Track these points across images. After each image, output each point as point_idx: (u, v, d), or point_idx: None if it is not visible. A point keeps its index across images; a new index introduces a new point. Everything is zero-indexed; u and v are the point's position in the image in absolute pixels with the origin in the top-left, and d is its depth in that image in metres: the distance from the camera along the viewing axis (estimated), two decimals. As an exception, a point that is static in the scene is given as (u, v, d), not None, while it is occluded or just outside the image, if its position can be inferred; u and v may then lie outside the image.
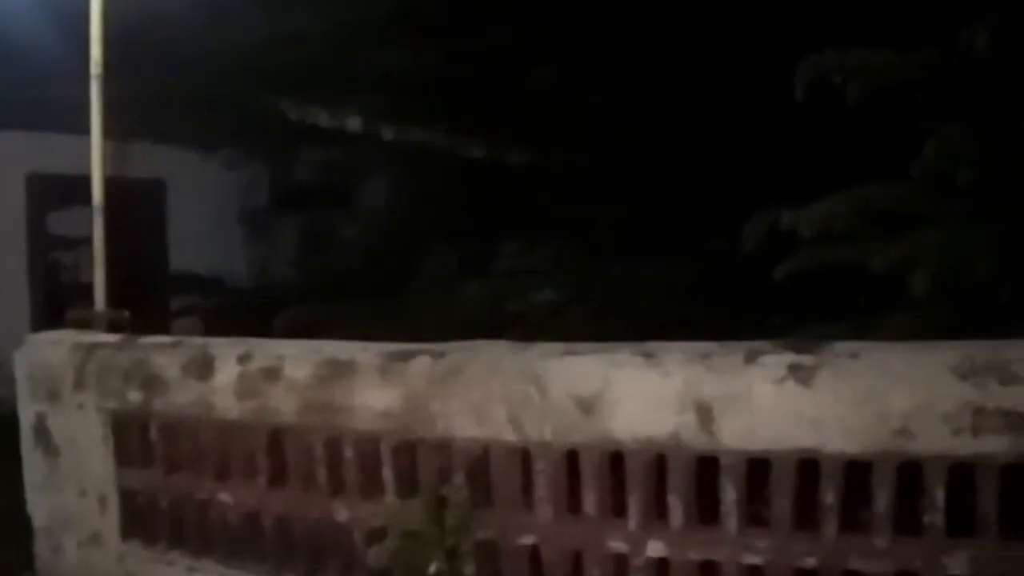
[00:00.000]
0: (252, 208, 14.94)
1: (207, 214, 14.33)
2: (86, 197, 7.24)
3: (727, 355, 3.63)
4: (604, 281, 9.69)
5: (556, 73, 10.97)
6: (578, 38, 10.60)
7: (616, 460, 3.83)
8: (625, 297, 9.08)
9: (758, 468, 3.56)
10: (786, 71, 6.48)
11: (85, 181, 7.18)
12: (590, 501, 3.88)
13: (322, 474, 4.55)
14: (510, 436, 4.01)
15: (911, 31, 6.33)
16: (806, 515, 3.51)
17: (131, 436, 5.26)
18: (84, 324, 6.32)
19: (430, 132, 12.50)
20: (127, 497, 5.32)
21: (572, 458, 3.91)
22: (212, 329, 10.45)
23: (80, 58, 7.18)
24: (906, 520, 3.36)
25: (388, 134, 12.52)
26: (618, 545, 3.83)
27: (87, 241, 9.54)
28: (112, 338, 5.72)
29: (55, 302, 12.74)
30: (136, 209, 11.97)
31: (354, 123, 12.71)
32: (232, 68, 11.49)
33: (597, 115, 10.52)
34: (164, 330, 6.88)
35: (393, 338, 4.69)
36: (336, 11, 11.05)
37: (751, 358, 3.56)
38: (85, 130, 7.08)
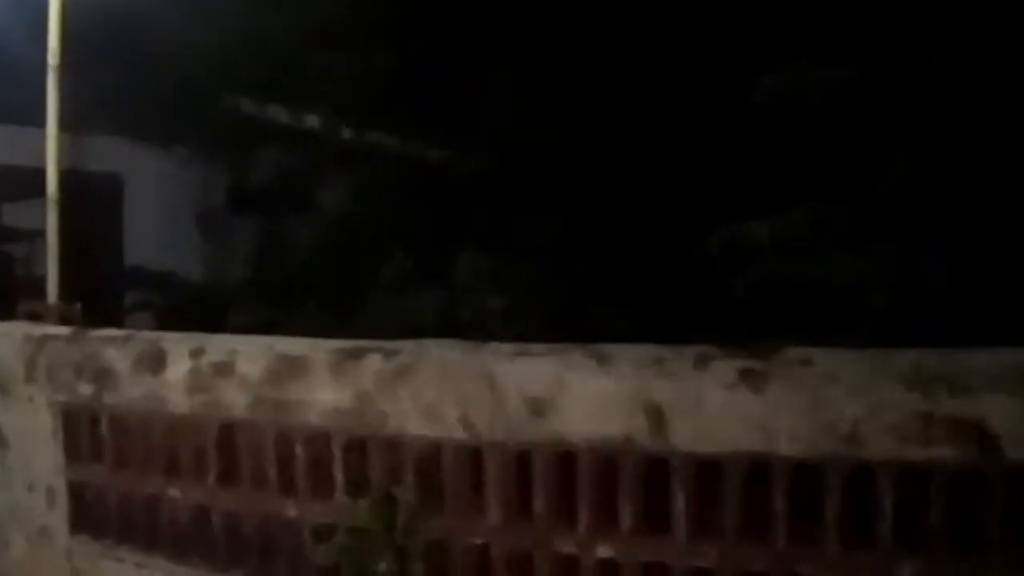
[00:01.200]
0: (208, 206, 14.88)
1: (163, 210, 14.25)
2: (41, 189, 7.21)
3: (679, 359, 3.64)
4: (560, 290, 9.71)
5: (516, 79, 10.99)
6: (538, 45, 10.62)
7: (567, 461, 3.83)
8: (581, 306, 9.10)
9: (709, 474, 3.57)
10: (747, 84, 6.51)
11: (40, 173, 7.15)
12: (540, 502, 3.88)
13: (272, 471, 4.53)
14: (461, 435, 4.00)
15: (867, 49, 6.38)
16: (756, 522, 3.52)
17: (81, 430, 5.22)
18: (36, 316, 6.29)
19: (388, 136, 12.50)
20: (76, 492, 5.27)
21: (523, 459, 3.91)
22: (165, 325, 10.41)
23: (38, 50, 7.14)
24: (857, 529, 3.37)
25: (346, 137, 12.52)
26: (568, 547, 3.83)
27: (41, 234, 9.50)
28: (63, 331, 5.68)
29: (6, 295, 12.65)
30: (91, 203, 11.88)
31: (312, 124, 12.71)
32: (192, 66, 11.46)
33: (556, 122, 10.53)
34: (117, 325, 6.83)
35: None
36: (296, 13, 11.04)
37: (702, 362, 3.57)
38: (41, 122, 7.05)
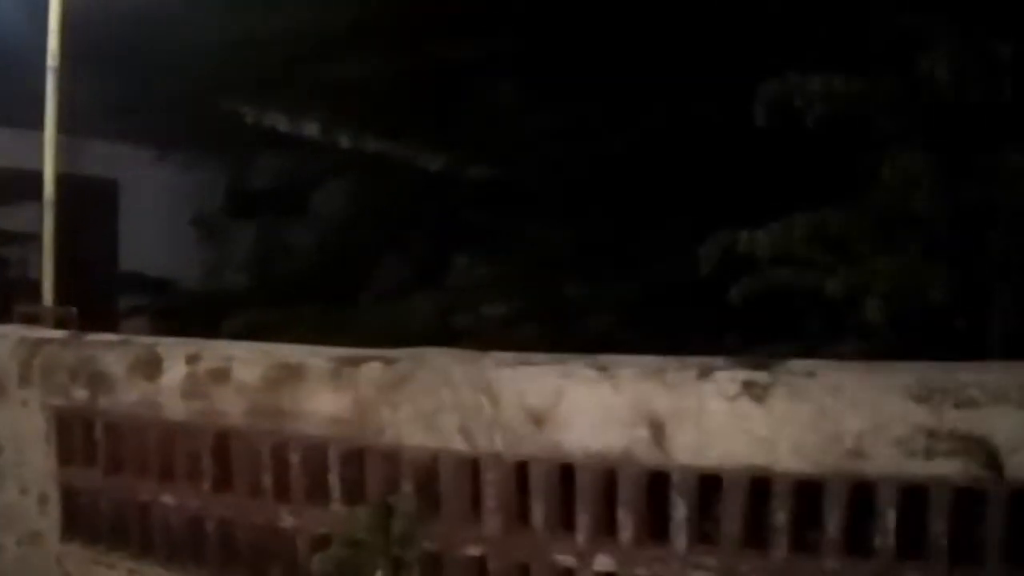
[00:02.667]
0: (205, 211, 14.86)
1: (159, 215, 14.22)
2: (36, 193, 7.18)
3: (681, 370, 3.60)
4: (556, 298, 9.69)
5: (516, 89, 10.98)
6: (539, 55, 10.61)
7: (566, 473, 3.80)
8: (577, 315, 9.08)
9: (709, 486, 3.54)
10: (746, 93, 6.49)
11: (36, 176, 7.12)
12: (539, 514, 3.85)
13: (268, 479, 4.50)
14: (460, 446, 3.97)
15: (871, 58, 6.36)
16: (756, 535, 3.49)
17: (75, 434, 5.19)
18: (31, 319, 6.26)
19: (387, 142, 12.49)
20: (69, 496, 5.25)
21: (522, 470, 3.88)
22: (160, 331, 10.39)
23: (36, 52, 7.12)
24: (858, 544, 3.35)
25: (345, 142, 12.51)
26: (566, 559, 3.79)
27: (35, 237, 9.45)
28: (59, 334, 5.66)
29: (1, 298, 12.61)
30: (87, 207, 11.86)
31: (311, 130, 12.69)
32: (191, 70, 11.43)
33: (555, 133, 10.52)
34: (112, 330, 6.81)
35: (342, 346, 4.66)
36: (297, 18, 11.03)
37: (705, 374, 3.53)
38: (37, 125, 7.02)
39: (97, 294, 12.09)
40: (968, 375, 3.24)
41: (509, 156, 11.06)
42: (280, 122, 13.09)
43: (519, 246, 10.52)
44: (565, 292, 9.63)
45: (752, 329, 6.61)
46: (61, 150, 6.97)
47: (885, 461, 3.25)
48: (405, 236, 12.57)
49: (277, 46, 11.31)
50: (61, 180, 7.02)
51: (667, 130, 9.28)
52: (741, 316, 6.62)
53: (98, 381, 5.02)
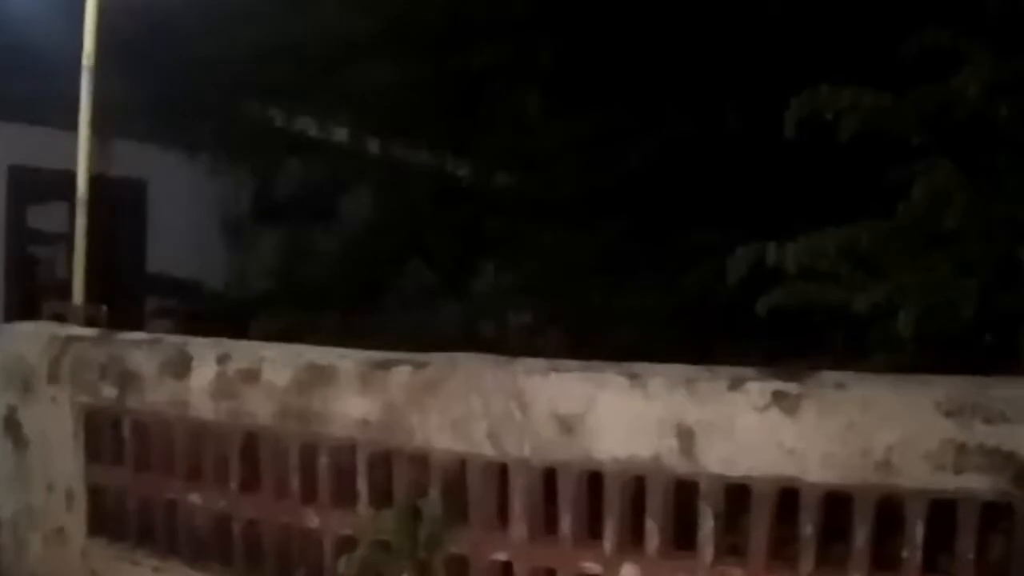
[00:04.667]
0: (233, 214, 14.88)
1: (188, 218, 14.27)
2: (66, 192, 7.19)
3: (712, 380, 3.61)
4: (582, 308, 9.69)
5: (544, 96, 10.99)
6: (567, 65, 10.62)
7: (594, 480, 3.81)
8: (602, 324, 9.08)
9: (738, 497, 3.55)
10: (775, 106, 6.49)
11: (67, 176, 7.13)
12: (566, 521, 3.86)
13: (295, 480, 4.52)
14: (488, 451, 3.98)
15: (902, 74, 6.35)
16: (784, 546, 3.49)
17: (103, 432, 5.22)
18: (61, 317, 6.28)
19: (414, 149, 12.51)
20: (95, 494, 5.27)
21: (550, 477, 3.89)
22: (187, 332, 10.42)
23: (70, 52, 7.14)
24: (886, 557, 3.35)
25: (373, 148, 12.53)
26: (592, 567, 3.80)
27: (64, 237, 9.47)
28: (89, 332, 5.68)
29: (30, 296, 12.65)
30: (116, 208, 11.89)
31: (339, 136, 12.72)
32: (222, 74, 11.47)
33: (582, 142, 10.53)
34: (138, 330, 6.80)
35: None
36: (327, 24, 11.05)
37: (736, 384, 3.54)
38: (69, 125, 7.04)
39: (124, 294, 12.12)
40: (998, 391, 3.25)
41: (536, 163, 11.07)
42: (308, 127, 13.13)
43: (545, 254, 10.53)
44: (591, 301, 9.64)
45: (778, 342, 6.60)
46: (93, 150, 6.97)
47: (914, 475, 3.26)
48: (431, 242, 12.59)
49: (306, 51, 11.34)
50: (90, 179, 7.02)
51: (696, 140, 9.29)
52: (766, 329, 6.61)
53: (127, 379, 5.04)
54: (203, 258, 14.12)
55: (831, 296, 6.02)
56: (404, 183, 12.81)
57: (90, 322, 6.31)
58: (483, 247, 11.80)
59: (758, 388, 3.49)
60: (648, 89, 9.78)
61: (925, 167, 5.96)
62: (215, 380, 4.72)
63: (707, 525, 3.58)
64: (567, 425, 3.79)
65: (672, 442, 3.59)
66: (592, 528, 3.83)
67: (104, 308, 6.53)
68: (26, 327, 5.83)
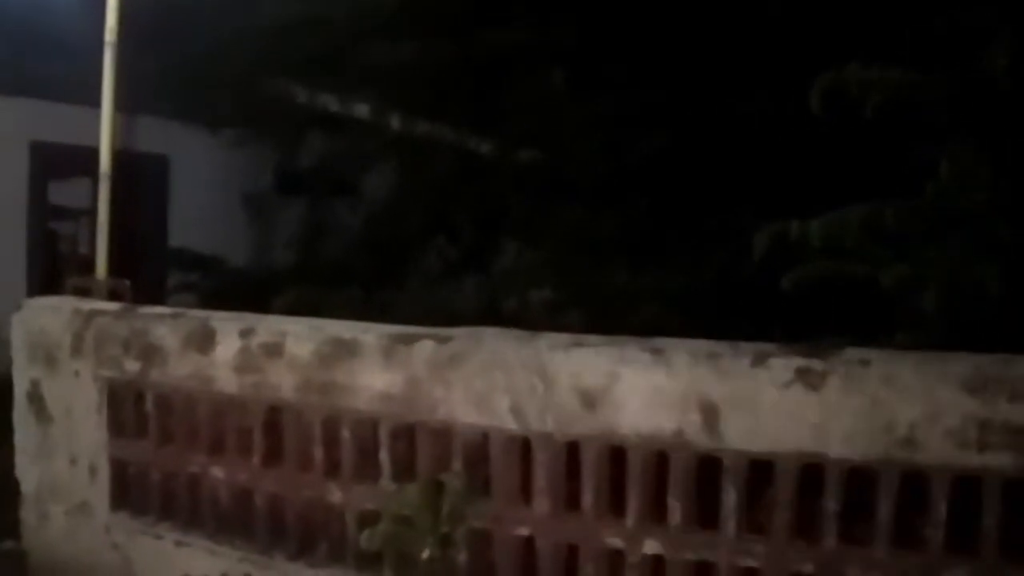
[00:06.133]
0: (254, 189, 14.90)
1: (209, 193, 14.30)
2: (87, 168, 7.21)
3: (735, 356, 3.61)
4: (603, 286, 9.67)
5: (567, 76, 10.97)
6: (591, 44, 10.59)
7: (617, 455, 3.81)
8: (624, 302, 9.06)
9: (760, 472, 3.54)
10: (800, 83, 6.46)
11: (88, 152, 7.14)
12: (589, 496, 3.86)
13: (318, 454, 4.52)
14: (511, 425, 3.99)
15: (930, 52, 6.33)
16: (806, 522, 3.49)
17: (126, 406, 5.22)
18: (84, 291, 6.29)
19: (437, 126, 12.49)
20: (118, 467, 5.28)
21: (573, 451, 3.89)
22: (208, 307, 10.43)
23: (91, 28, 7.14)
24: (908, 533, 3.34)
25: (395, 125, 12.52)
26: (615, 541, 3.81)
27: (86, 212, 9.49)
28: (112, 306, 5.68)
29: (51, 271, 12.71)
30: (138, 183, 11.93)
31: (362, 112, 12.71)
32: (243, 49, 11.47)
33: (605, 120, 10.50)
34: (160, 305, 6.83)
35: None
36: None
37: (759, 360, 3.54)
38: (90, 101, 7.04)
39: (145, 269, 12.17)
40: (1022, 368, 3.24)
41: (558, 141, 11.04)
42: (330, 103, 13.13)
43: (567, 232, 10.51)
44: (613, 279, 9.62)
45: (799, 320, 6.59)
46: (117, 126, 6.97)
47: (937, 451, 3.26)
48: (452, 220, 12.58)
49: (330, 27, 11.33)
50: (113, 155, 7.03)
51: (720, 118, 9.25)
52: (788, 307, 6.60)
53: (151, 353, 5.05)
54: (224, 233, 14.15)
55: (856, 272, 6.01)
56: (427, 160, 12.78)
57: (113, 296, 6.33)
58: (506, 224, 11.78)
59: (782, 364, 3.49)
60: (674, 67, 9.75)
61: (951, 145, 5.93)
62: (239, 354, 4.72)
63: (730, 501, 3.58)
64: (590, 400, 3.79)
65: (695, 417, 3.59)
66: (615, 503, 3.84)
67: (127, 282, 6.54)
68: (49, 301, 5.84)
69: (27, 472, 5.66)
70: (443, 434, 4.17)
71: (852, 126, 6.43)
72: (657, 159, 9.92)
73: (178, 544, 4.98)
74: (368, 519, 4.29)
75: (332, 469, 4.50)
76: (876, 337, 5.72)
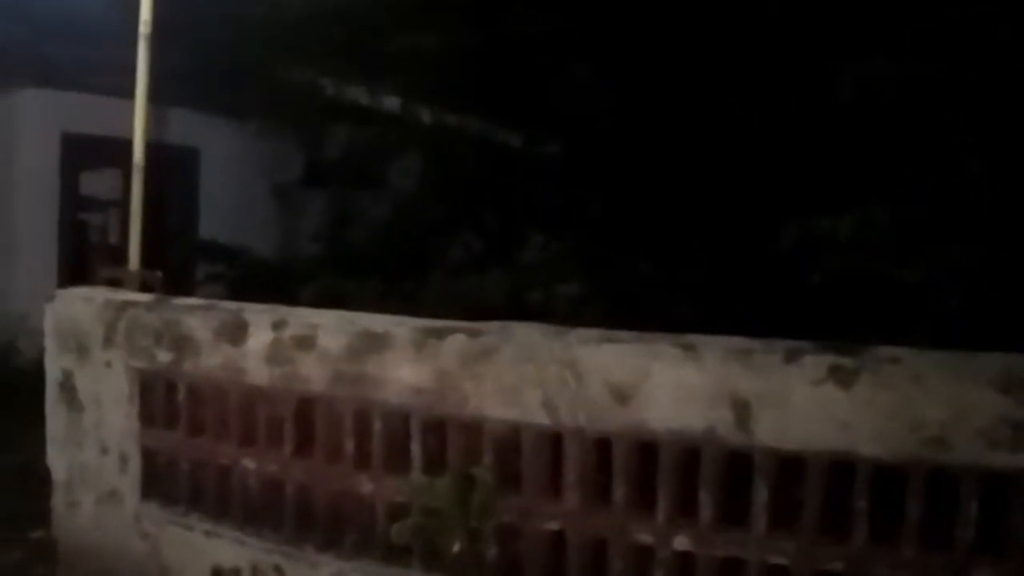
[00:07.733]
0: (282, 181, 14.93)
1: (239, 185, 14.35)
2: (118, 160, 7.25)
3: (767, 353, 3.62)
4: (630, 279, 9.67)
5: (594, 68, 10.95)
6: (617, 37, 10.57)
7: (648, 451, 3.82)
8: (650, 297, 9.07)
9: (791, 470, 3.55)
10: (828, 78, 6.47)
11: (118, 143, 7.18)
12: (619, 491, 3.88)
13: (348, 446, 4.54)
14: (542, 420, 4.00)
15: (950, 46, 6.33)
16: (835, 520, 3.50)
17: (157, 396, 5.25)
18: (116, 282, 6.32)
19: (463, 117, 12.49)
20: (149, 457, 5.32)
21: (603, 446, 3.91)
22: (237, 298, 10.45)
23: (124, 20, 7.17)
24: (937, 533, 3.35)
25: (421, 116, 12.52)
26: (645, 537, 3.82)
27: (116, 204, 9.52)
28: (144, 297, 5.72)
29: (81, 262, 12.77)
30: (168, 175, 11.98)
31: (389, 103, 12.72)
32: (273, 41, 11.48)
33: (632, 113, 10.49)
34: (190, 296, 6.85)
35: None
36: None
37: (791, 357, 3.55)
38: (121, 93, 7.07)
39: (175, 260, 12.21)
40: (1056, 367, 3.25)
41: (585, 133, 11.03)
42: (358, 94, 13.13)
43: (593, 224, 10.51)
44: (639, 272, 9.62)
45: (824, 316, 6.59)
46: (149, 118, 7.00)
47: (967, 451, 3.26)
48: (477, 211, 12.59)
49: (356, 17, 11.33)
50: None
51: (746, 112, 9.23)
52: (812, 302, 6.61)
53: (182, 344, 5.08)
54: (253, 224, 14.18)
55: (883, 267, 6.02)
56: (453, 151, 12.77)
57: (145, 287, 6.36)
58: (531, 216, 11.79)
59: (814, 361, 3.50)
60: (700, 58, 9.74)
61: (976, 140, 5.94)
62: (270, 346, 4.74)
63: (760, 498, 3.59)
64: (621, 395, 3.81)
65: (726, 414, 3.60)
66: (645, 499, 3.85)
67: (159, 273, 6.58)
68: (81, 292, 5.87)
69: (57, 461, 5.70)
70: (474, 428, 4.18)
71: (873, 120, 6.43)
72: (683, 150, 9.91)
73: (207, 534, 5.01)
74: (398, 512, 4.32)
75: (362, 461, 4.51)
76: (900, 334, 5.74)
